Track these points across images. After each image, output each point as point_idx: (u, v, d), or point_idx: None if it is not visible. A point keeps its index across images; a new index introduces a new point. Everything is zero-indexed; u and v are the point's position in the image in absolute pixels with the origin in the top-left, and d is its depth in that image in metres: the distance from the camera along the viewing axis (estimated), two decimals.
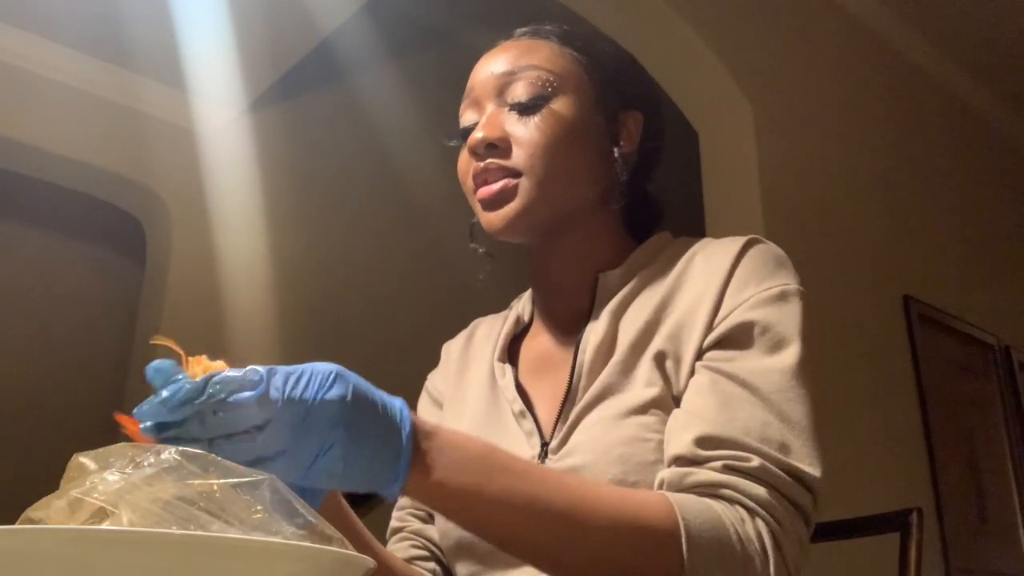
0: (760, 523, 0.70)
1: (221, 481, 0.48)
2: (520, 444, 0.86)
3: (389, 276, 3.44)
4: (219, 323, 2.96)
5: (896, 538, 1.04)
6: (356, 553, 0.48)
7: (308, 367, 0.60)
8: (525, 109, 0.87)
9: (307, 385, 0.58)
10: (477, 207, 0.89)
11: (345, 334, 3.24)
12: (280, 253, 3.16)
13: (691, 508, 0.69)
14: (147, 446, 0.49)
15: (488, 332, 1.01)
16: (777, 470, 0.72)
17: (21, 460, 2.85)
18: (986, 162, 3.69)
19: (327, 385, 0.59)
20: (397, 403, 0.64)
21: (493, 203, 0.86)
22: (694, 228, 2.40)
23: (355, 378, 0.61)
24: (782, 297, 0.81)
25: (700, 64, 2.58)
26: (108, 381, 3.27)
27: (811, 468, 0.73)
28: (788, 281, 0.82)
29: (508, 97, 0.88)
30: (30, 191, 3.18)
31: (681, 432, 0.75)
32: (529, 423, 0.86)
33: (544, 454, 0.83)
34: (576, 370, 0.85)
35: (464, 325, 1.07)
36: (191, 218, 3.07)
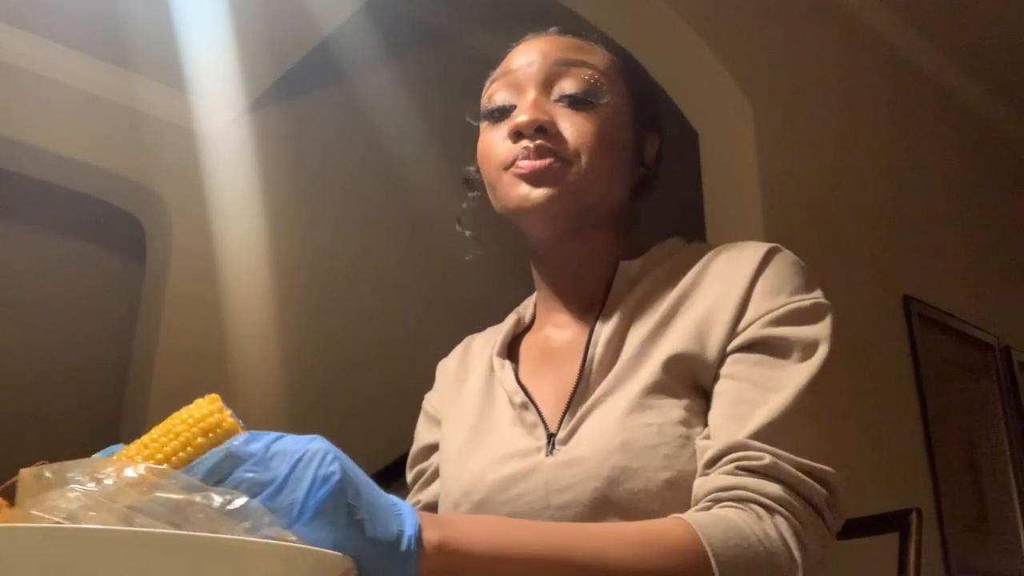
0: (779, 520, 0.71)
1: (186, 496, 0.47)
2: (517, 435, 0.86)
3: (388, 274, 3.44)
4: (219, 323, 2.96)
5: (896, 538, 1.04)
6: (334, 552, 0.50)
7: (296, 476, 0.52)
8: (576, 103, 0.87)
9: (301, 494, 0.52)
10: (506, 183, 0.86)
11: (345, 334, 3.25)
12: (280, 253, 3.16)
13: (708, 524, 0.69)
14: (110, 461, 0.49)
15: (485, 343, 1.01)
16: (789, 467, 0.73)
17: (19, 461, 2.85)
18: (986, 162, 3.69)
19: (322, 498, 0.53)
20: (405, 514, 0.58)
21: (538, 178, 0.84)
22: (694, 228, 2.40)
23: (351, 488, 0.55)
24: (816, 310, 0.83)
25: (700, 64, 2.58)
26: (108, 382, 3.27)
27: (825, 464, 0.75)
28: (819, 296, 0.84)
29: (557, 88, 0.88)
30: (30, 191, 3.18)
31: (711, 439, 0.77)
32: (533, 415, 0.87)
33: (552, 445, 0.84)
34: (587, 364, 0.86)
35: (464, 324, 1.07)
36: (191, 218, 3.07)
